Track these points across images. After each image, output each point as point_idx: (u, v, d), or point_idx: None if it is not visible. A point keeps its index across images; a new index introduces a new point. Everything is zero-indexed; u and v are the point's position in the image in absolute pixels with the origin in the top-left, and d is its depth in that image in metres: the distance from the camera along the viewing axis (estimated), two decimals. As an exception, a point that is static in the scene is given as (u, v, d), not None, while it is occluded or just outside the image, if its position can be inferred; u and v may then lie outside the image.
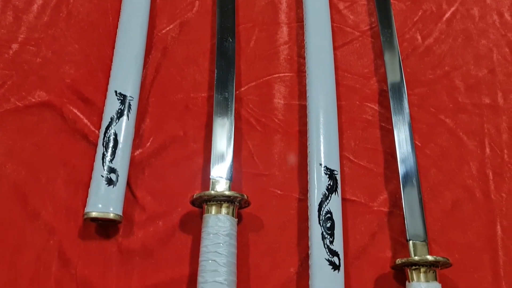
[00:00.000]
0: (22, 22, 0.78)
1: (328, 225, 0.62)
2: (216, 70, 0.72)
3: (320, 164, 0.66)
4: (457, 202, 0.70)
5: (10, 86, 0.73)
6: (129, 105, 0.69)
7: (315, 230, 0.62)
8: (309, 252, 0.62)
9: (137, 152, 0.70)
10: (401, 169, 0.68)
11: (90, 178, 0.65)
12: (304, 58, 0.78)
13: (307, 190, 0.66)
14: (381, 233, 0.68)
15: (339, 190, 0.65)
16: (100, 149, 0.66)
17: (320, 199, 0.64)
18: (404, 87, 0.75)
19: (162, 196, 0.67)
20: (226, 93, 0.71)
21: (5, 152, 0.68)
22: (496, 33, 0.85)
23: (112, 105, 0.69)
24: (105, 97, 0.70)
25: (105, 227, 0.65)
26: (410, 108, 0.74)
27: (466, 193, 0.71)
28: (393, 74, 0.76)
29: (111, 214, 0.62)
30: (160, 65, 0.77)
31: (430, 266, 0.61)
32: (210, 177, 0.64)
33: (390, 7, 0.83)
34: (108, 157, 0.65)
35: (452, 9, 0.87)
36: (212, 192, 0.62)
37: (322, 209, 0.63)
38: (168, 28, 0.80)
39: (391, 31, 0.80)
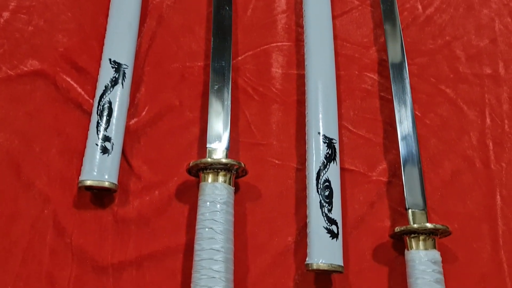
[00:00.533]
0: (13, -10, 0.76)
1: (327, 193, 0.62)
2: (212, 39, 0.71)
3: (319, 133, 0.65)
4: (456, 172, 0.70)
5: (1, 54, 0.71)
6: (124, 73, 0.68)
7: (313, 198, 0.61)
8: (307, 220, 0.61)
9: (132, 121, 0.69)
10: (401, 139, 0.67)
11: (85, 147, 0.64)
12: (302, 27, 0.76)
13: (305, 159, 0.65)
14: (380, 202, 0.67)
15: (337, 159, 0.64)
16: (94, 117, 0.65)
17: (319, 168, 0.63)
18: (404, 57, 0.73)
19: (158, 165, 0.66)
20: (223, 62, 0.69)
21: (-3, 121, 0.67)
22: (498, 2, 0.83)
23: (106, 73, 0.67)
24: (99, 66, 0.69)
25: (100, 197, 0.64)
26: (410, 78, 0.73)
27: (466, 163, 0.71)
28: (393, 44, 0.75)
29: (106, 183, 0.61)
30: (155, 34, 0.75)
31: (429, 234, 0.60)
32: (207, 146, 0.63)
33: (390, -25, 0.82)
34: (102, 126, 0.64)
35: (454, -22, 0.85)
36: (209, 159, 0.61)
37: (321, 177, 0.62)
38: (163, -4, 0.79)
39: (391, 0, 0.78)
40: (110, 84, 0.66)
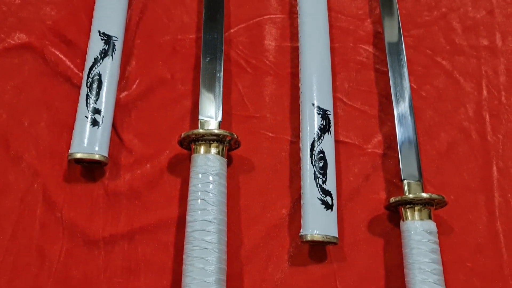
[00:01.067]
0: (-1, -38, 0.74)
1: (321, 164, 0.61)
2: (204, 11, 0.69)
3: (313, 104, 0.64)
4: (452, 144, 0.69)
5: (-12, 28, 0.70)
6: (114, 45, 0.66)
7: (307, 169, 0.60)
8: (301, 192, 0.60)
9: (122, 95, 0.67)
10: (396, 111, 0.66)
11: (75, 121, 0.63)
12: (296, -1, 0.75)
13: (299, 132, 0.64)
14: (375, 175, 0.66)
15: (332, 130, 0.63)
16: (84, 89, 0.63)
17: (313, 139, 0.62)
18: (399, 29, 0.72)
19: (149, 139, 0.65)
20: (215, 34, 0.68)
21: (-16, 95, 0.66)
22: (495, -27, 0.82)
23: (95, 45, 0.66)
24: (89, 39, 0.67)
25: (90, 170, 0.63)
26: (406, 50, 0.72)
27: (462, 134, 0.70)
28: (388, 16, 0.73)
29: (97, 155, 0.60)
30: (146, 6, 0.74)
31: (425, 204, 0.59)
32: (199, 118, 0.62)
33: None
34: (92, 98, 0.62)
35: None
36: (201, 130, 0.59)
37: (315, 148, 0.61)
38: (153, -31, 0.77)
39: (387, -29, 0.77)
40: (99, 56, 0.65)
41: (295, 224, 0.62)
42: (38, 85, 0.67)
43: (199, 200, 0.56)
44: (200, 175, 0.58)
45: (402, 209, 0.60)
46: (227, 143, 0.61)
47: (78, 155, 0.60)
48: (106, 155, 0.61)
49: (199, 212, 0.56)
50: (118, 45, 0.67)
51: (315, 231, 0.57)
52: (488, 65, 0.75)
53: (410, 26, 0.76)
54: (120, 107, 0.66)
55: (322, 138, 0.62)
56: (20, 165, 0.62)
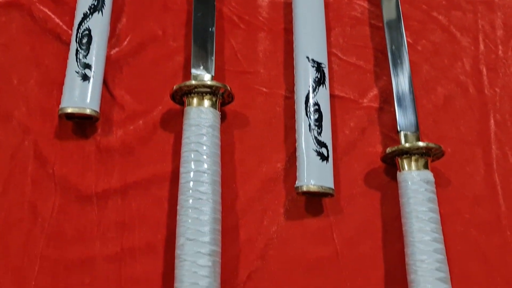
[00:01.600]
0: None
1: (316, 116, 0.60)
2: (195, -34, 0.68)
3: (307, 57, 0.63)
4: (449, 98, 0.68)
5: (-27, -14, 0.68)
6: (103, 0, 0.65)
7: (302, 121, 0.59)
8: (296, 144, 0.59)
9: (113, 51, 0.66)
10: (392, 65, 0.65)
11: (65, 77, 0.61)
12: (289, -46, 0.73)
13: (294, 87, 0.63)
14: (371, 128, 0.65)
15: (327, 83, 0.62)
16: (73, 45, 0.62)
17: (307, 91, 0.61)
18: (395, -16, 0.71)
19: (141, 95, 0.64)
20: (207, -10, 0.66)
21: (-28, 53, 0.64)
22: None
23: (84, 1, 0.64)
24: (77, -4, 0.66)
25: (82, 126, 0.62)
26: (401, 5, 0.70)
27: (459, 88, 0.69)
28: (383, -30, 0.72)
29: (88, 110, 0.59)
30: (136, -37, 0.72)
31: (422, 154, 0.59)
32: (191, 71, 0.61)
33: None
34: (82, 53, 0.61)
35: None
36: (193, 82, 0.58)
37: (309, 101, 0.60)
38: None
39: None
40: (89, 12, 0.64)
41: (291, 178, 0.61)
42: (26, 43, 0.66)
43: (192, 152, 0.55)
44: (193, 128, 0.57)
45: (399, 159, 0.59)
46: (220, 96, 0.60)
47: (69, 110, 0.59)
48: (98, 110, 0.60)
49: (193, 163, 0.55)
50: (108, 0, 0.65)
51: (311, 182, 0.57)
52: (485, 19, 0.74)
53: (405, -20, 0.75)
54: (111, 64, 0.65)
55: (317, 90, 0.61)
56: (11, 122, 0.61)
